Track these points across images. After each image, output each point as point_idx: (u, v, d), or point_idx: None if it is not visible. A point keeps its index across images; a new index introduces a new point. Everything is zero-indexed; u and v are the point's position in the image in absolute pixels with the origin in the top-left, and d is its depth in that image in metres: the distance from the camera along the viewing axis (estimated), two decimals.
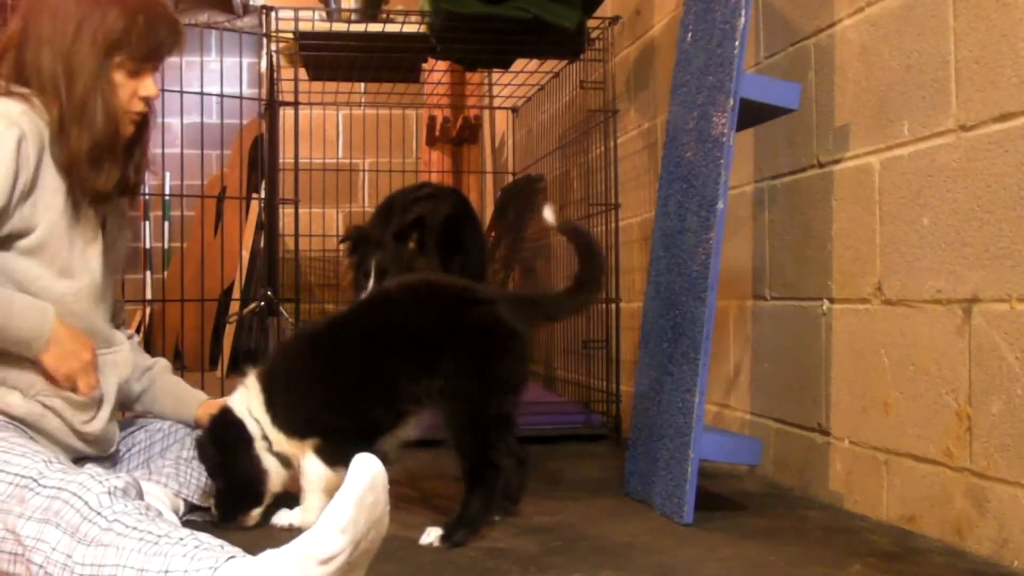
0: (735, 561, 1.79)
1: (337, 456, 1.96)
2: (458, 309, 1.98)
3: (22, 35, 1.85)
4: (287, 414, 2.02)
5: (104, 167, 1.85)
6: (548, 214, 2.12)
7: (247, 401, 2.04)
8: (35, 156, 1.77)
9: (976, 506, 1.80)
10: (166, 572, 1.36)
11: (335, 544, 1.30)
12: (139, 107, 1.90)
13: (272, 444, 2.02)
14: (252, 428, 2.02)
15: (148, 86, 1.90)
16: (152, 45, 1.88)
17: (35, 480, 1.53)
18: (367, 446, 1.92)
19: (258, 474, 2.02)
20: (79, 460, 1.88)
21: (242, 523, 2.02)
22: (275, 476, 2.04)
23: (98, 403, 1.90)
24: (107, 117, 1.84)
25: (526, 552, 1.85)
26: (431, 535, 1.89)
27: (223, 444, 2.01)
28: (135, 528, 1.44)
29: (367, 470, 1.33)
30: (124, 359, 1.99)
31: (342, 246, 2.98)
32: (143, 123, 1.95)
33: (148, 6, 1.89)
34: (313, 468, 2.00)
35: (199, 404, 2.16)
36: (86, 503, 1.47)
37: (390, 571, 1.72)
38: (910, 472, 1.99)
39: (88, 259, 1.90)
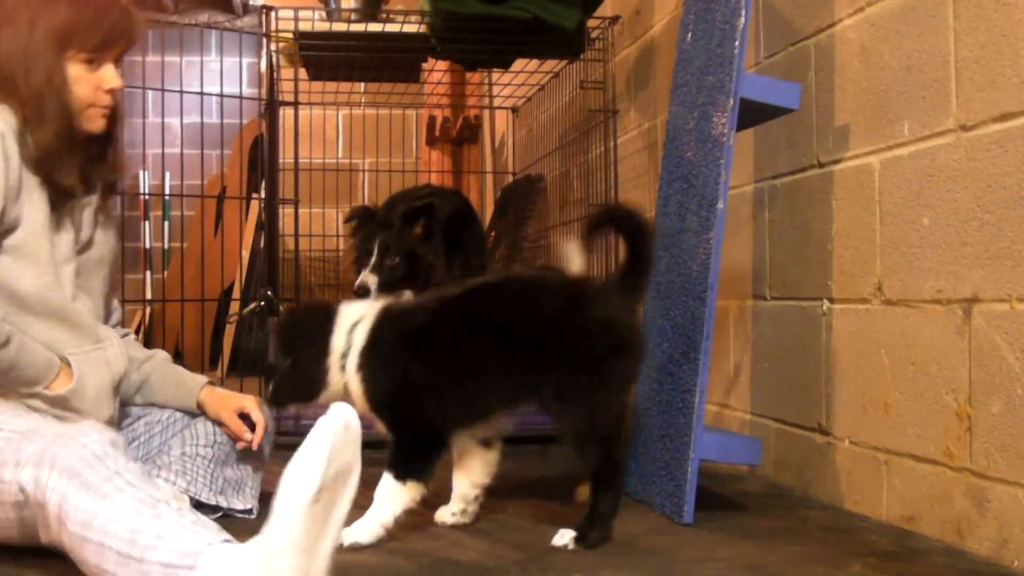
0: (735, 561, 1.79)
1: (404, 465, 1.91)
2: (578, 304, 1.91)
3: None
4: (376, 388, 1.94)
5: (67, 161, 1.85)
6: (573, 252, 2.05)
7: (358, 317, 1.95)
8: (15, 153, 1.80)
9: (976, 506, 1.80)
10: (159, 536, 1.37)
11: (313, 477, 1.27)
12: (105, 100, 1.90)
13: (347, 371, 1.93)
14: (338, 342, 1.95)
15: (111, 78, 1.89)
16: (103, 35, 1.88)
17: (33, 431, 1.59)
18: (438, 447, 1.93)
19: (319, 379, 1.94)
20: None
21: (288, 411, 1.95)
22: (333, 389, 1.95)
23: (72, 401, 1.86)
24: (63, 112, 1.85)
25: (526, 552, 1.84)
26: (565, 537, 1.87)
27: (304, 333, 1.98)
28: (135, 486, 1.45)
29: (339, 414, 1.32)
30: (115, 356, 1.98)
31: (345, 225, 2.97)
32: (113, 119, 1.95)
33: None
34: (384, 482, 1.92)
35: (200, 388, 2.15)
36: (86, 447, 1.49)
37: (391, 570, 1.72)
38: (910, 472, 1.99)
39: (70, 258, 1.91)
